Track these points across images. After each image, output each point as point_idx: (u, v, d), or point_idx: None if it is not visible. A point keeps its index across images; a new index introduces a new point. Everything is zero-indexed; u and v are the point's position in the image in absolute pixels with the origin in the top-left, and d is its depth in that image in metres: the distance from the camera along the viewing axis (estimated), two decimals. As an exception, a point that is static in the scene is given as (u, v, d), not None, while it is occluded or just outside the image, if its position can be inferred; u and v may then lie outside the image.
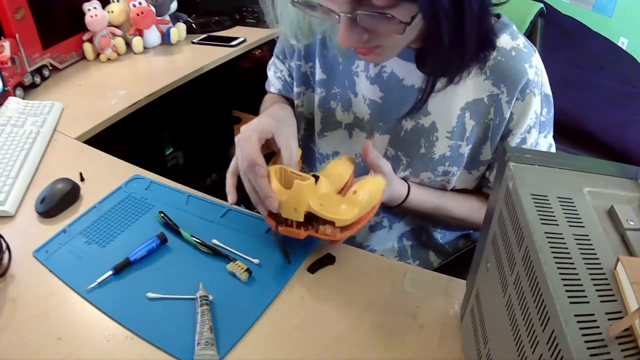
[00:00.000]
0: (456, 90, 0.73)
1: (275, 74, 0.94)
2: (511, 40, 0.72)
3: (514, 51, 0.71)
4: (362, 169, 0.81)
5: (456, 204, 0.82)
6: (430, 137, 0.77)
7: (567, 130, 1.66)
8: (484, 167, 0.80)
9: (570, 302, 0.35)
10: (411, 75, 0.75)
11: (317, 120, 0.87)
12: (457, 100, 0.74)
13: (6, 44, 1.15)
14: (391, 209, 0.84)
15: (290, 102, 0.92)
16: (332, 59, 0.82)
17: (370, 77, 0.78)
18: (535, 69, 0.72)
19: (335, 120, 0.84)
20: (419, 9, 0.57)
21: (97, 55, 1.42)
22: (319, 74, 0.84)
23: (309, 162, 0.95)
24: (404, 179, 0.81)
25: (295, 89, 0.89)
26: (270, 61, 0.96)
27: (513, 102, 0.72)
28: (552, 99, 0.77)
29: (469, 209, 0.83)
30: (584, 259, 0.39)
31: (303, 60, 0.86)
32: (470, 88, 0.73)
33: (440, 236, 0.91)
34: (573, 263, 0.38)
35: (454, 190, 0.83)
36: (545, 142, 0.79)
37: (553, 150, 0.83)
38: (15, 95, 1.14)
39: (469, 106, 0.74)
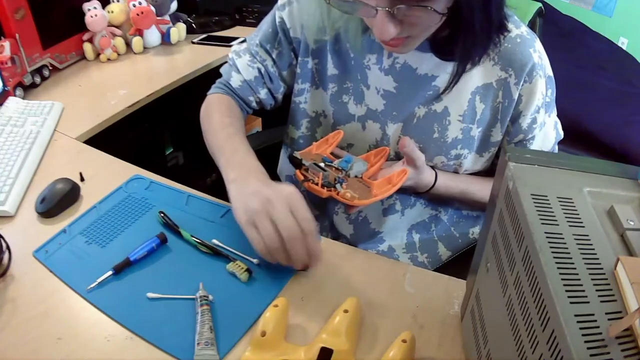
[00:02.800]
0: (467, 76, 0.77)
1: (249, 62, 0.88)
2: (515, 28, 0.77)
3: (518, 38, 0.76)
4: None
5: (480, 187, 0.86)
6: (443, 122, 0.80)
7: (567, 130, 1.65)
8: (495, 149, 0.84)
9: (570, 302, 0.35)
10: (424, 64, 0.79)
11: (329, 115, 0.88)
12: (467, 86, 0.78)
13: (6, 44, 1.15)
14: (419, 195, 0.87)
15: (245, 103, 0.91)
16: (344, 54, 0.83)
17: (384, 69, 0.81)
18: (538, 53, 0.77)
19: (348, 114, 0.86)
20: (455, 2, 0.62)
21: (97, 55, 1.42)
22: (330, 70, 0.85)
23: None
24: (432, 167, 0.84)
25: (301, 85, 0.88)
26: (242, 47, 0.91)
27: (521, 84, 0.77)
28: (553, 79, 0.81)
29: None
30: (584, 259, 0.39)
31: (310, 56, 0.86)
32: (479, 73, 0.78)
33: (450, 223, 0.93)
34: (573, 263, 0.38)
35: (475, 174, 0.87)
36: (551, 120, 0.84)
37: (559, 126, 0.88)
38: (15, 95, 1.14)
39: (479, 90, 0.78)
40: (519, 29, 0.76)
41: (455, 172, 0.85)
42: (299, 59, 0.87)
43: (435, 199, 0.90)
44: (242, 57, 0.89)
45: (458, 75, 0.75)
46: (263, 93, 0.90)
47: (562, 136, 0.88)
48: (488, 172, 0.88)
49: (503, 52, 0.76)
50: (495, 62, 0.77)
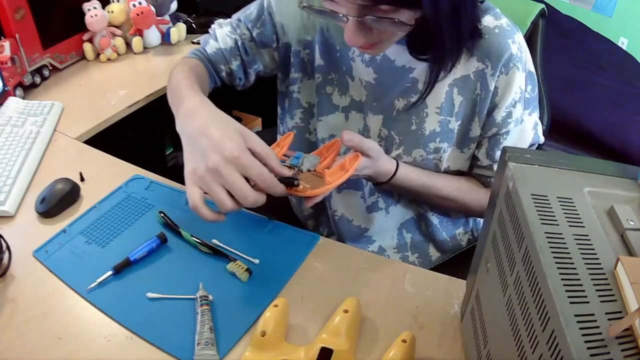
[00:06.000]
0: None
1: (228, 33, 0.89)
2: (494, 20, 0.76)
3: (497, 29, 0.75)
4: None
5: (445, 183, 0.84)
6: (421, 114, 0.80)
7: (567, 130, 1.66)
8: (474, 145, 0.83)
9: (570, 302, 0.35)
10: (401, 57, 0.79)
11: (316, 105, 0.88)
12: (445, 78, 0.77)
13: (6, 44, 1.15)
14: (381, 186, 0.84)
15: (215, 71, 0.90)
16: (331, 46, 0.84)
17: (365, 61, 0.82)
18: (518, 45, 0.75)
19: (332, 104, 0.86)
20: (423, 14, 0.62)
21: (97, 55, 1.42)
22: (317, 60, 0.85)
23: (304, 150, 0.94)
24: (396, 158, 0.83)
25: (294, 74, 0.89)
26: (226, 21, 0.92)
27: (497, 75, 0.75)
28: (535, 76, 0.80)
29: (458, 188, 0.85)
30: (584, 259, 0.39)
31: (302, 46, 0.87)
32: (457, 66, 0.77)
33: (440, 225, 0.92)
34: (573, 263, 0.38)
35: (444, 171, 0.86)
36: (531, 119, 0.82)
37: (539, 128, 0.85)
38: (15, 95, 1.14)
39: (457, 82, 0.78)
40: (498, 21, 0.75)
41: (437, 168, 0.84)
42: (292, 47, 0.87)
43: (411, 196, 0.89)
44: (223, 28, 0.90)
45: (432, 83, 0.75)
46: (235, 65, 0.89)
47: (542, 141, 0.85)
48: (469, 175, 0.87)
49: (481, 44, 0.75)
50: (472, 54, 0.76)
